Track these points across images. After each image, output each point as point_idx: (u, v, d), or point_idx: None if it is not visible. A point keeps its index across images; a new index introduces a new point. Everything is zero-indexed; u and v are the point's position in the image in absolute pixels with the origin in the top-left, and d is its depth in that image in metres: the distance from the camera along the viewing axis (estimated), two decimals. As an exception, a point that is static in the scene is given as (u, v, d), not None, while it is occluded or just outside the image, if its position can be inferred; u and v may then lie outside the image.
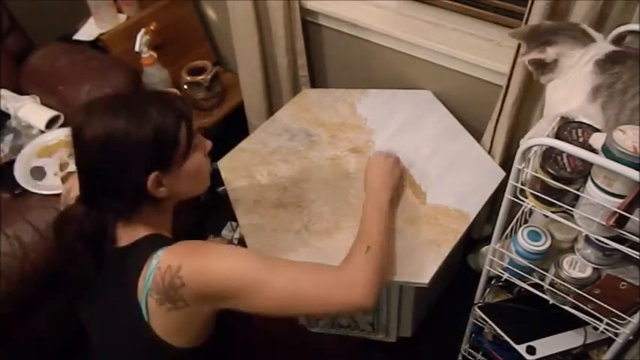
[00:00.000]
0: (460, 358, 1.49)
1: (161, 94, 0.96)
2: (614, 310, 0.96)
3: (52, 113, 1.70)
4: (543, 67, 1.01)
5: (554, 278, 1.02)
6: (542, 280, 1.06)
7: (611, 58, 0.93)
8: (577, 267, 1.00)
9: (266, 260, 0.91)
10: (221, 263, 0.87)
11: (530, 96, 1.34)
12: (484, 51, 1.44)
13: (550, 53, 0.98)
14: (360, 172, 1.39)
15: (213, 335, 0.95)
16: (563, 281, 1.00)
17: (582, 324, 1.10)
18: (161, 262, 0.85)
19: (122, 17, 1.96)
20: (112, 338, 0.93)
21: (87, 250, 0.91)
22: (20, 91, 1.78)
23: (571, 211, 0.92)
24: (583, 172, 0.87)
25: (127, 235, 0.91)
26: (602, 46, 0.97)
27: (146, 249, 0.88)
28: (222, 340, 0.99)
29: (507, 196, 0.98)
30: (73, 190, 1.07)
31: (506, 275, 1.12)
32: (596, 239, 0.91)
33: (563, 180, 0.88)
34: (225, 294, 0.87)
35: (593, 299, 0.98)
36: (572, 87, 0.97)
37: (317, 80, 1.94)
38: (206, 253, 0.88)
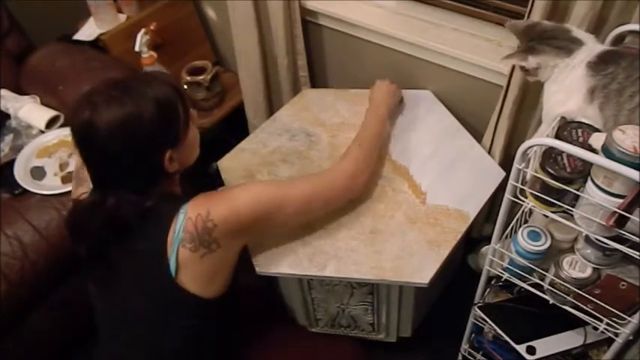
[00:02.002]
0: (460, 358, 1.49)
1: (147, 74, 1.03)
2: (614, 310, 0.96)
3: (52, 113, 1.70)
4: (527, 70, 1.03)
5: (554, 278, 1.02)
6: (542, 280, 1.06)
7: (603, 59, 0.93)
8: (577, 267, 1.00)
9: (278, 180, 1.19)
10: (245, 195, 0.98)
11: (530, 96, 1.34)
12: (484, 51, 1.44)
13: (531, 62, 1.00)
14: (360, 172, 1.39)
15: (230, 287, 1.04)
16: (563, 281, 1.00)
17: (582, 324, 1.11)
18: (189, 213, 0.92)
19: (122, 17, 1.96)
20: (136, 299, 0.98)
21: (115, 232, 0.94)
22: (20, 91, 1.78)
23: (571, 211, 0.92)
24: (583, 172, 0.87)
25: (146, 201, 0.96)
26: (593, 47, 0.97)
27: (169, 206, 0.95)
28: (235, 295, 1.07)
29: (507, 196, 0.98)
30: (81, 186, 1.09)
31: (506, 275, 1.12)
32: (596, 239, 0.91)
33: (563, 180, 0.88)
34: (257, 219, 0.98)
35: (593, 299, 0.98)
36: (568, 91, 0.97)
37: (317, 80, 1.94)
38: (227, 194, 0.98)
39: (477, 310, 1.25)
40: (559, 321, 1.14)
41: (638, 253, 0.86)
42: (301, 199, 1.08)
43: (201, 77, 1.91)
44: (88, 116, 0.88)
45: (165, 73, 1.06)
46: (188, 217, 0.92)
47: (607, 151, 0.79)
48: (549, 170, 0.89)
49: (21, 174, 1.57)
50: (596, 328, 1.03)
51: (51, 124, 1.70)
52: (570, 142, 0.89)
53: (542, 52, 0.98)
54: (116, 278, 0.99)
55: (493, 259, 1.12)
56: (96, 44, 1.91)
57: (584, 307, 1.00)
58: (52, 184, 1.56)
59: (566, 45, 0.97)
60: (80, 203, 1.00)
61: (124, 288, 0.99)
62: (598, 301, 0.97)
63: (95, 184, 0.97)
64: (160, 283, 0.93)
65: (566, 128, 0.94)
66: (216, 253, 0.94)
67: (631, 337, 1.00)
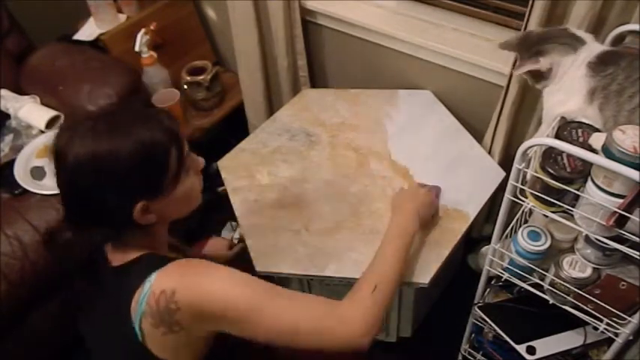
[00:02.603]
0: (460, 358, 1.49)
1: (148, 112, 0.89)
2: (614, 310, 0.96)
3: (52, 113, 1.70)
4: (539, 76, 1.02)
5: (554, 278, 1.02)
6: (542, 280, 1.06)
7: (603, 59, 0.93)
8: (577, 267, 1.00)
9: (265, 288, 0.86)
10: (217, 287, 0.83)
11: (530, 96, 1.34)
12: (484, 51, 1.44)
13: (544, 63, 0.99)
14: (360, 172, 1.39)
15: (213, 350, 0.93)
16: (563, 281, 1.00)
17: (582, 324, 1.11)
18: (154, 286, 0.81)
19: (122, 17, 1.96)
20: (108, 354, 0.91)
21: (79, 271, 0.89)
22: (20, 91, 1.78)
23: (571, 211, 0.92)
24: (583, 172, 0.87)
25: (119, 257, 0.88)
26: (593, 47, 0.97)
27: (139, 271, 0.84)
28: (224, 352, 0.96)
29: (507, 196, 0.98)
30: None
31: (506, 275, 1.12)
32: (596, 239, 0.91)
33: (563, 180, 0.88)
34: (220, 320, 0.84)
35: (593, 299, 0.98)
36: (568, 91, 0.97)
37: (317, 80, 1.94)
38: (202, 276, 0.84)
39: (477, 310, 1.25)
40: (559, 321, 1.14)
41: (638, 253, 0.86)
42: (275, 326, 0.85)
43: (201, 77, 1.91)
44: (62, 142, 0.82)
45: (170, 115, 0.90)
46: (152, 292, 0.81)
47: (607, 151, 0.79)
48: (549, 170, 0.89)
49: (21, 174, 1.57)
50: (596, 328, 1.03)
51: (51, 124, 1.70)
52: (570, 142, 0.89)
53: (551, 51, 0.98)
54: (90, 317, 0.94)
55: (493, 259, 1.12)
56: (96, 44, 1.91)
57: (584, 307, 1.00)
58: (52, 184, 1.55)
59: (570, 42, 0.97)
60: (47, 230, 0.94)
61: (96, 333, 0.94)
62: (598, 301, 0.97)
63: (65, 217, 0.88)
64: (127, 344, 0.85)
65: (566, 128, 0.94)
66: (180, 333, 0.83)
67: (631, 337, 1.00)
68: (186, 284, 0.82)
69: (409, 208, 1.15)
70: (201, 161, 0.95)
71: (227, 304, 0.82)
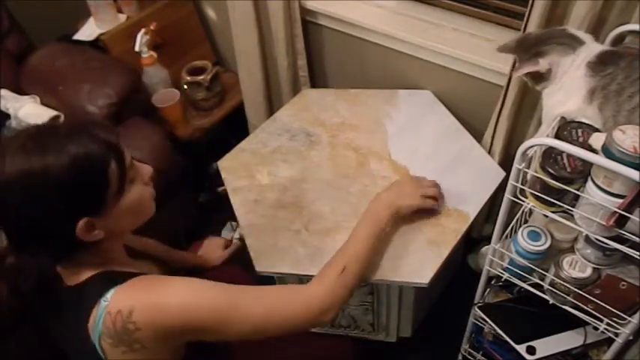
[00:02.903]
0: (460, 358, 1.49)
1: (81, 125, 0.84)
2: (614, 310, 0.96)
3: (52, 113, 1.70)
4: (539, 77, 1.02)
5: (554, 278, 1.02)
6: (542, 280, 1.06)
7: (602, 59, 0.93)
8: (577, 267, 1.00)
9: (226, 290, 0.86)
10: (176, 300, 0.81)
11: (530, 97, 1.34)
12: (484, 51, 1.44)
13: (543, 64, 0.99)
14: (360, 172, 1.39)
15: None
16: (563, 281, 1.00)
17: (582, 324, 1.11)
18: (110, 307, 0.78)
19: (122, 17, 1.96)
20: None
21: (34, 293, 0.85)
22: (20, 91, 1.78)
23: (571, 211, 0.92)
24: (583, 172, 0.87)
25: (73, 277, 0.85)
26: (592, 47, 0.97)
27: (93, 291, 0.81)
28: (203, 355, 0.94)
29: (507, 196, 0.98)
30: None
31: (506, 275, 1.12)
32: (596, 239, 0.91)
33: (563, 180, 0.88)
34: (187, 332, 0.82)
35: (593, 299, 0.98)
36: (567, 91, 0.97)
37: (317, 80, 1.94)
38: (160, 291, 0.82)
39: (477, 310, 1.25)
40: (559, 321, 1.14)
41: (638, 253, 0.86)
42: (249, 321, 0.87)
43: (201, 77, 1.91)
44: None
45: (108, 125, 0.86)
46: (108, 312, 0.78)
47: (607, 151, 0.79)
48: (549, 170, 0.89)
49: (21, 174, 1.57)
50: (596, 328, 1.03)
51: (51, 124, 1.70)
52: (570, 142, 0.89)
53: (550, 52, 0.98)
54: (58, 334, 0.92)
55: (493, 259, 1.12)
56: (96, 44, 1.92)
57: (584, 307, 1.00)
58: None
59: (569, 42, 0.97)
60: None
61: (66, 348, 0.91)
62: (598, 301, 0.97)
63: (6, 240, 0.83)
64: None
65: (566, 128, 0.94)
66: (142, 352, 0.80)
67: (631, 337, 1.00)
68: (144, 302, 0.80)
69: (387, 196, 1.17)
70: (147, 169, 0.90)
71: (189, 314, 0.81)
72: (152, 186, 0.91)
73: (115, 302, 0.79)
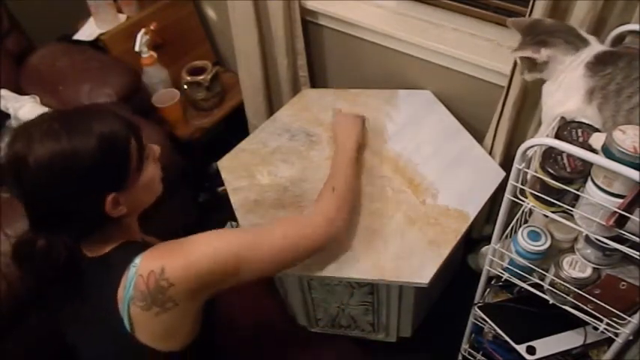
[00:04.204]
0: (460, 358, 1.49)
1: (100, 106, 0.90)
2: (614, 310, 0.96)
3: (52, 113, 1.70)
4: (533, 65, 1.01)
5: (554, 278, 1.02)
6: (542, 280, 1.06)
7: (601, 60, 0.93)
8: (577, 267, 1.00)
9: (244, 230, 0.99)
10: (203, 250, 0.86)
11: (531, 97, 1.34)
12: (484, 51, 1.44)
13: (543, 54, 0.98)
14: (359, 172, 1.39)
15: (199, 336, 0.93)
16: (563, 281, 1.00)
17: (582, 324, 1.10)
18: (141, 269, 0.82)
19: (122, 17, 1.96)
20: (98, 351, 0.91)
21: (58, 276, 0.86)
22: (20, 91, 1.78)
23: (571, 211, 0.92)
24: (583, 172, 0.87)
25: (96, 250, 0.88)
26: (593, 48, 0.97)
27: (121, 258, 0.85)
28: (209, 338, 0.97)
29: (507, 196, 0.98)
30: None
31: (506, 275, 1.12)
32: (596, 239, 0.91)
33: (563, 180, 0.88)
34: (219, 275, 0.87)
35: (593, 299, 0.98)
36: (566, 91, 0.97)
37: (317, 80, 1.94)
38: (184, 247, 0.87)
39: (477, 310, 1.25)
40: (559, 321, 1.14)
41: (638, 253, 0.86)
42: (271, 252, 0.95)
43: (201, 77, 1.91)
44: (20, 149, 0.79)
45: (119, 107, 0.91)
46: (139, 275, 0.82)
47: (607, 151, 0.79)
48: (549, 170, 0.89)
49: (21, 174, 1.57)
50: (596, 328, 1.03)
51: (51, 124, 1.69)
52: (570, 142, 0.89)
53: (554, 45, 0.97)
54: (74, 322, 0.93)
55: (493, 259, 1.12)
56: (96, 44, 1.92)
57: (584, 307, 1.00)
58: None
59: (575, 41, 0.97)
60: (17, 242, 0.88)
61: (80, 335, 0.93)
62: (598, 301, 0.97)
63: (30, 224, 0.86)
64: (115, 339, 0.85)
65: (566, 128, 0.94)
66: (173, 310, 0.84)
67: (631, 337, 1.00)
68: (174, 259, 0.84)
69: (343, 133, 1.37)
70: (157, 148, 0.96)
71: (216, 259, 0.86)
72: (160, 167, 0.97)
73: (145, 265, 0.83)
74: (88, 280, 0.87)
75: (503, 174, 1.35)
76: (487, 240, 1.13)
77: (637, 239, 0.84)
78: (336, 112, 1.49)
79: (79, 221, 0.85)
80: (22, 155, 0.79)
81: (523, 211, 1.08)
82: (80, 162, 0.79)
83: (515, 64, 1.28)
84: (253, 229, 1.01)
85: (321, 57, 1.87)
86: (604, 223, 0.84)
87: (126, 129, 0.85)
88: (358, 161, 1.34)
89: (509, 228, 1.11)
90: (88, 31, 1.94)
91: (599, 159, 0.80)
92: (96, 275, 0.87)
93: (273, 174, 1.42)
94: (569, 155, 0.89)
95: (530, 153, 0.92)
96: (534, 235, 1.04)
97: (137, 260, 0.83)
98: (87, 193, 0.83)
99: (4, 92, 1.74)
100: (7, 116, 1.71)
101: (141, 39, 1.86)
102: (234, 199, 1.37)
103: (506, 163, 1.43)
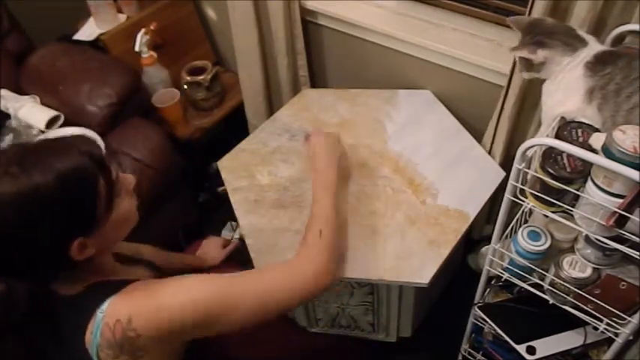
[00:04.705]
0: (460, 358, 1.49)
1: (63, 141, 0.81)
2: (614, 310, 0.96)
3: (52, 113, 1.70)
4: (530, 65, 1.02)
5: (554, 278, 1.02)
6: (542, 280, 1.06)
7: (600, 59, 0.93)
8: (577, 267, 1.00)
9: (223, 279, 0.86)
10: (180, 298, 0.80)
11: (531, 97, 1.34)
12: (484, 51, 1.44)
13: (539, 55, 0.98)
14: (360, 172, 1.39)
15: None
16: (563, 281, 1.00)
17: (582, 324, 1.10)
18: (108, 317, 0.77)
19: (122, 17, 1.96)
20: None
21: (27, 316, 0.83)
22: (20, 91, 1.78)
23: (571, 211, 0.92)
24: (583, 172, 0.87)
25: (66, 288, 0.82)
26: (593, 48, 0.97)
27: (88, 302, 0.79)
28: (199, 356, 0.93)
29: (507, 196, 0.98)
30: None
31: (506, 275, 1.12)
32: (596, 239, 0.91)
33: (563, 180, 0.88)
34: (188, 327, 0.81)
35: (593, 299, 0.98)
36: (566, 91, 0.97)
37: (317, 80, 1.94)
38: (154, 294, 0.80)
39: (477, 310, 1.25)
40: (559, 321, 1.14)
41: (638, 253, 0.86)
42: (251, 306, 0.87)
43: (201, 77, 1.91)
44: None
45: (88, 139, 0.83)
46: (106, 322, 0.76)
47: (607, 151, 0.79)
48: (549, 170, 0.89)
49: (21, 174, 1.57)
50: (596, 328, 1.03)
51: (51, 124, 1.70)
52: (570, 142, 0.89)
53: (552, 47, 0.97)
54: (54, 353, 0.90)
55: (493, 259, 1.12)
56: (96, 44, 1.92)
57: (584, 307, 1.00)
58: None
59: (573, 42, 0.97)
60: None
61: None
62: (598, 301, 0.97)
63: None
64: None
65: (566, 128, 0.94)
66: (145, 358, 0.79)
67: (631, 337, 0.99)
68: (141, 308, 0.78)
69: (322, 161, 1.20)
70: (130, 179, 0.87)
71: (187, 311, 0.80)
72: (136, 195, 0.89)
73: (111, 312, 0.77)
74: (62, 318, 0.83)
75: (503, 174, 1.35)
76: (487, 240, 1.13)
77: (637, 239, 0.84)
78: (308, 134, 1.31)
79: (42, 267, 0.79)
80: None
81: (523, 211, 1.08)
82: (41, 204, 0.72)
83: (514, 63, 1.28)
84: (236, 277, 0.89)
85: (321, 57, 1.87)
86: (604, 223, 0.84)
87: (92, 165, 0.77)
88: (341, 190, 1.24)
89: (509, 228, 1.11)
90: (88, 31, 1.94)
91: (599, 159, 0.80)
92: (67, 316, 0.82)
93: (273, 174, 1.42)
94: (569, 155, 0.89)
95: (530, 153, 0.92)
96: (534, 235, 1.04)
97: (104, 305, 0.77)
98: (50, 239, 0.75)
99: (4, 92, 1.74)
100: (7, 116, 1.71)
101: (141, 39, 1.86)
102: (234, 199, 1.37)
103: (507, 163, 1.43)
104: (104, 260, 0.88)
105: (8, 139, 1.67)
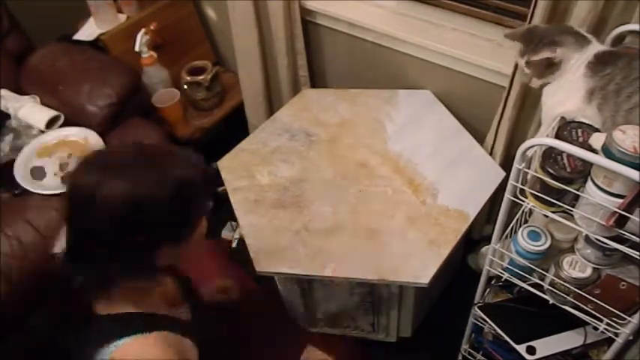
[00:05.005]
0: (460, 358, 1.49)
1: (180, 152, 0.84)
2: (614, 310, 0.96)
3: (52, 113, 1.70)
4: (545, 69, 1.01)
5: (554, 278, 1.02)
6: (542, 280, 1.06)
7: (601, 60, 0.93)
8: (577, 267, 1.00)
9: None
10: None
11: (531, 98, 1.34)
12: (484, 51, 1.44)
13: (559, 54, 0.98)
14: (360, 172, 1.39)
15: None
16: (563, 281, 1.00)
17: (582, 324, 1.10)
18: (117, 354, 0.77)
19: (122, 17, 1.96)
20: None
21: (65, 308, 0.85)
22: (20, 91, 1.78)
23: (571, 211, 0.92)
24: (583, 172, 0.87)
25: (104, 307, 0.82)
26: (594, 47, 0.97)
27: (111, 330, 0.79)
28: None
29: (507, 196, 0.98)
30: None
31: (506, 275, 1.12)
32: (596, 239, 0.91)
33: (563, 180, 0.88)
34: None
35: (593, 299, 0.97)
36: (567, 91, 0.97)
37: (317, 80, 1.94)
38: None
39: (477, 310, 1.25)
40: (559, 321, 1.14)
41: (638, 253, 0.86)
42: None
43: (201, 77, 1.91)
44: (93, 181, 0.74)
45: (201, 157, 0.87)
46: (112, 358, 0.77)
47: (607, 151, 0.79)
48: (549, 170, 0.89)
49: (21, 174, 1.57)
50: (596, 328, 1.03)
51: (51, 124, 1.70)
52: (570, 142, 0.89)
53: (566, 44, 0.97)
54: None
55: (493, 259, 1.12)
56: (96, 44, 1.92)
57: (584, 307, 1.00)
58: (52, 184, 1.56)
59: (580, 39, 0.97)
60: (50, 266, 0.85)
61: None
62: (598, 301, 0.97)
63: (69, 252, 0.81)
64: None
65: (566, 128, 0.94)
66: None
67: (631, 337, 0.99)
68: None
69: None
70: (210, 205, 0.89)
71: None
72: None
73: (122, 353, 0.77)
74: (83, 331, 0.83)
75: (503, 174, 1.35)
76: (487, 240, 1.13)
77: (637, 239, 0.83)
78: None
79: (125, 264, 0.79)
80: (93, 187, 0.74)
81: (523, 211, 1.08)
82: (153, 204, 0.75)
83: (516, 65, 1.27)
84: None
85: (321, 57, 1.87)
86: (604, 223, 0.84)
87: (202, 182, 0.82)
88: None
89: (509, 228, 1.11)
90: (88, 31, 1.94)
91: (599, 159, 0.80)
92: (89, 330, 0.82)
93: (273, 174, 1.42)
94: (569, 155, 0.89)
95: (530, 153, 0.92)
96: (534, 235, 1.04)
97: (120, 342, 0.77)
98: (147, 236, 0.77)
99: (4, 92, 1.74)
100: (7, 116, 1.71)
101: (141, 39, 1.86)
102: (234, 199, 1.37)
103: (507, 163, 1.43)
104: (161, 292, 0.89)
105: (8, 139, 1.67)
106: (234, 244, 1.85)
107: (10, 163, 1.60)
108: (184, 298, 0.99)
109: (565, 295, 1.02)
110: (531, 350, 1.16)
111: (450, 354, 1.53)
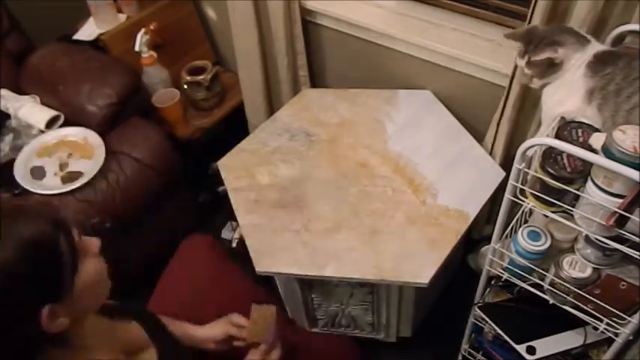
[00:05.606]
0: (460, 358, 1.49)
1: (20, 205, 0.76)
2: (614, 310, 0.96)
3: (52, 113, 1.70)
4: (546, 69, 1.01)
5: (554, 278, 1.02)
6: (542, 280, 1.06)
7: (601, 60, 0.93)
8: (577, 267, 1.00)
9: None
10: None
11: (532, 97, 1.34)
12: (484, 51, 1.44)
13: (560, 53, 0.98)
14: (360, 172, 1.39)
15: None
16: (563, 281, 1.00)
17: (582, 324, 1.10)
18: None
19: (122, 17, 1.96)
20: None
21: None
22: (20, 91, 1.78)
23: (571, 211, 0.92)
24: (583, 172, 0.87)
25: None
26: (594, 47, 0.97)
27: None
28: None
29: (507, 196, 0.98)
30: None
31: (506, 275, 1.12)
32: (596, 239, 0.91)
33: (563, 180, 0.88)
34: None
35: (593, 299, 0.98)
36: (567, 91, 0.97)
37: (317, 80, 1.94)
38: None
39: (477, 310, 1.25)
40: (559, 321, 1.14)
41: (638, 253, 0.86)
42: None
43: (201, 77, 1.91)
44: None
45: (45, 202, 0.82)
46: None
47: (607, 151, 0.79)
48: (549, 170, 0.89)
49: (21, 174, 1.57)
50: (596, 328, 1.03)
51: (51, 124, 1.70)
52: (570, 142, 0.89)
53: (566, 44, 0.97)
54: None
55: (493, 259, 1.12)
56: (96, 44, 1.92)
57: (584, 307, 1.00)
58: (52, 184, 1.56)
59: (580, 38, 0.97)
60: None
61: None
62: (598, 301, 0.97)
63: None
64: None
65: (566, 128, 0.94)
66: None
67: (631, 337, 0.99)
68: None
69: None
70: (95, 242, 0.81)
71: None
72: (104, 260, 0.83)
73: None
74: None
75: (503, 174, 1.35)
76: (487, 240, 1.13)
77: (637, 239, 0.84)
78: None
79: (11, 344, 0.71)
80: None
81: (523, 211, 1.08)
82: (3, 274, 0.67)
83: (516, 65, 1.27)
84: None
85: (321, 57, 1.87)
86: (604, 223, 0.84)
87: (52, 227, 0.73)
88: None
89: (509, 228, 1.11)
90: (88, 31, 1.94)
91: (599, 159, 0.80)
92: None
93: (273, 174, 1.42)
94: (569, 155, 0.89)
95: (530, 153, 0.92)
96: (534, 235, 1.04)
97: None
98: (17, 308, 0.69)
99: (4, 92, 1.74)
100: (7, 116, 1.71)
101: (141, 39, 1.86)
102: (234, 199, 1.37)
103: (507, 163, 1.43)
104: (91, 326, 0.83)
105: (8, 139, 1.67)
106: (234, 244, 1.85)
107: (10, 163, 1.60)
108: (152, 339, 0.94)
109: (565, 295, 1.02)
110: (531, 350, 1.16)
111: (450, 354, 1.53)
